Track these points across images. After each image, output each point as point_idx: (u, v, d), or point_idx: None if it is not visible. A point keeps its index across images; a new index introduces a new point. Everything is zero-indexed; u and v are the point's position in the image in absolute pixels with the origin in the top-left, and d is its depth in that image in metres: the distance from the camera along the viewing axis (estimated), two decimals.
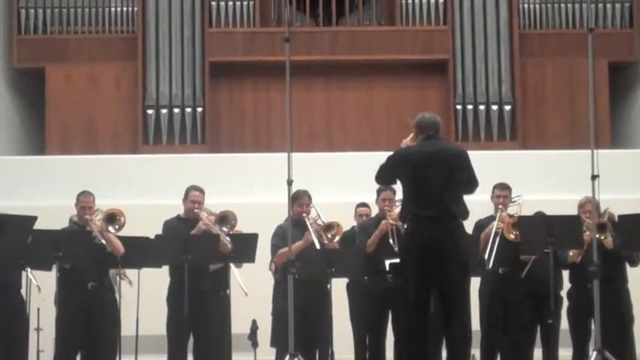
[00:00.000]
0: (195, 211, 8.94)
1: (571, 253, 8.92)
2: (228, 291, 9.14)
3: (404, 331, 7.31)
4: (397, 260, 8.31)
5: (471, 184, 7.20)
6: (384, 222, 8.82)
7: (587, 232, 8.52)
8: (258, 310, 9.54)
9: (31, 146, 14.46)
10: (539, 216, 9.02)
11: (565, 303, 9.18)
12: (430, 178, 7.04)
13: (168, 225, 9.03)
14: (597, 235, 8.45)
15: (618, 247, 8.63)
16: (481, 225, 9.11)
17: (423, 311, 7.03)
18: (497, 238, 8.94)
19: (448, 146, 7.49)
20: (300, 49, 13.57)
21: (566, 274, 9.20)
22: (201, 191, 9.05)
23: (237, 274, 9.38)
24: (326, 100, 14.56)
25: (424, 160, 7.10)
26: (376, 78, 14.54)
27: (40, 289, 9.05)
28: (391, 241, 8.73)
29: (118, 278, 9.38)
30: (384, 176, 7.43)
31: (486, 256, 8.89)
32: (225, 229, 8.90)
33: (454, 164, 7.13)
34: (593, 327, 8.79)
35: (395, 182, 7.64)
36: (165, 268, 9.00)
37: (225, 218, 8.94)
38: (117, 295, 9.24)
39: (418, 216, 7.05)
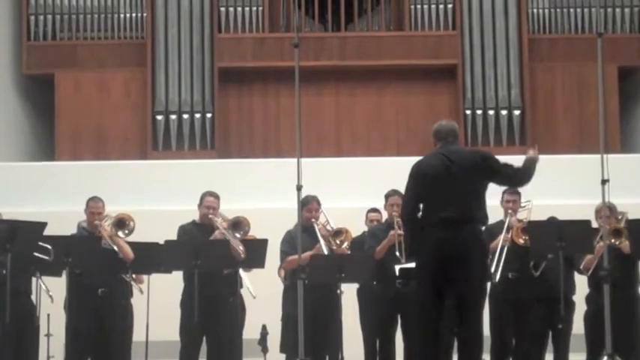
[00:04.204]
0: (210, 216, 8.94)
1: (587, 258, 8.88)
2: (237, 297, 9.16)
3: (417, 335, 7.28)
4: (407, 265, 8.33)
5: (512, 176, 7.24)
6: (392, 232, 8.81)
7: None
8: (268, 316, 9.55)
9: (40, 152, 14.49)
10: (550, 221, 9.00)
11: (580, 308, 9.16)
12: (446, 183, 7.01)
13: (183, 230, 9.04)
14: (613, 240, 8.46)
15: (635, 251, 8.63)
16: (491, 230, 9.07)
17: (438, 313, 7.00)
18: (504, 252, 8.92)
19: (467, 151, 7.45)
20: (309, 55, 13.59)
21: (583, 278, 9.16)
22: (216, 197, 9.05)
23: (246, 278, 9.38)
24: (335, 106, 14.57)
25: (440, 165, 7.08)
26: (385, 83, 14.54)
27: (53, 299, 9.10)
28: (398, 253, 8.70)
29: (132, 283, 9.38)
30: (411, 209, 7.22)
31: (493, 269, 8.86)
32: (238, 234, 8.88)
33: (474, 168, 7.10)
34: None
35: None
36: (176, 274, 9.00)
37: (238, 224, 8.92)
38: (131, 301, 9.25)
39: (434, 219, 7.02)
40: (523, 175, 7.31)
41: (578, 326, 9.15)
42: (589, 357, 9.07)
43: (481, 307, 7.11)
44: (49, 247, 8.31)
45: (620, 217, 8.96)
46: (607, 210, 8.18)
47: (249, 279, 9.44)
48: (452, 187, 7.01)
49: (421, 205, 7.31)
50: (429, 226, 7.06)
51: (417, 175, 7.17)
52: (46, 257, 8.32)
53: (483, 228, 7.32)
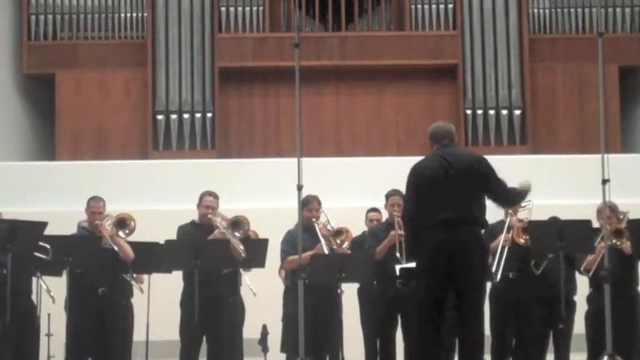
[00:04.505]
0: (209, 216, 8.93)
1: (589, 259, 8.88)
2: (237, 296, 9.17)
3: (416, 335, 7.27)
4: (408, 265, 8.32)
5: (503, 196, 7.20)
6: (392, 233, 8.80)
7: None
8: (269, 316, 9.55)
9: (41, 152, 14.49)
10: (550, 220, 9.01)
11: (581, 307, 9.16)
12: (445, 185, 6.99)
13: (182, 230, 9.03)
14: (614, 241, 8.46)
15: (636, 251, 8.62)
16: (491, 230, 9.07)
17: (438, 315, 7.00)
18: (505, 252, 8.93)
19: (465, 153, 7.43)
20: (310, 55, 13.59)
21: (584, 278, 9.16)
22: (215, 196, 9.04)
23: (246, 277, 9.39)
24: (335, 106, 14.57)
25: (439, 167, 7.05)
26: (386, 83, 14.54)
27: (55, 299, 9.10)
28: (398, 254, 8.68)
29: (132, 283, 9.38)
30: (413, 206, 7.21)
31: (493, 269, 8.87)
32: (238, 234, 8.87)
33: (472, 171, 7.08)
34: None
35: None
36: (176, 274, 9.00)
37: (237, 223, 8.91)
38: (131, 301, 9.25)
39: (433, 220, 7.02)
40: (515, 196, 7.33)
41: (579, 326, 9.16)
42: (590, 357, 9.06)
43: (482, 307, 7.10)
44: (48, 246, 8.30)
45: (621, 217, 8.96)
46: (608, 210, 8.18)
47: (249, 277, 9.44)
48: (450, 189, 7.00)
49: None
50: (429, 228, 7.05)
51: (415, 176, 7.17)
52: (45, 256, 8.32)
53: (482, 231, 7.30)
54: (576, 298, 9.22)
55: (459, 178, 7.02)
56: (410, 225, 7.27)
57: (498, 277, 8.87)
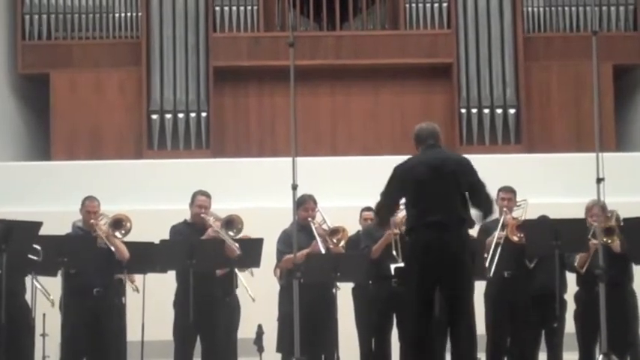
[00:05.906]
0: (202, 215, 8.93)
1: (577, 258, 8.89)
2: (233, 296, 9.17)
3: (409, 336, 7.30)
4: (402, 264, 8.32)
5: (485, 205, 7.20)
6: (388, 232, 8.81)
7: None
8: (264, 315, 9.54)
9: (36, 152, 14.47)
10: (545, 219, 9.02)
11: (571, 306, 9.18)
12: (433, 188, 7.05)
13: (175, 230, 9.02)
14: (605, 239, 8.46)
15: (627, 250, 8.62)
16: (486, 228, 9.09)
17: (428, 315, 7.02)
18: (499, 249, 8.94)
19: (450, 155, 7.47)
20: (305, 54, 13.57)
21: (572, 277, 9.18)
22: (208, 196, 9.04)
23: (243, 280, 9.38)
24: (330, 105, 14.56)
25: (427, 170, 7.11)
26: (381, 82, 14.53)
27: (54, 303, 9.11)
28: (394, 252, 8.70)
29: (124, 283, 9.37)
30: (388, 202, 7.35)
31: (487, 265, 8.88)
32: (231, 233, 8.87)
33: (457, 172, 7.12)
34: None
35: (398, 206, 7.63)
36: (171, 273, 9.00)
37: (231, 222, 8.91)
38: (124, 301, 9.24)
39: (422, 222, 7.05)
40: (492, 206, 7.28)
41: (569, 325, 9.18)
42: (581, 356, 9.08)
43: (471, 305, 7.14)
44: (39, 247, 8.30)
45: (609, 215, 8.96)
46: (597, 208, 8.22)
47: (246, 281, 9.43)
48: (437, 192, 7.05)
49: (402, 206, 7.54)
50: (417, 230, 7.09)
51: (401, 178, 7.20)
52: (36, 258, 8.32)
53: (472, 229, 7.34)
54: (566, 296, 9.24)
55: (446, 180, 7.09)
56: (376, 218, 7.54)
57: (491, 272, 8.89)
